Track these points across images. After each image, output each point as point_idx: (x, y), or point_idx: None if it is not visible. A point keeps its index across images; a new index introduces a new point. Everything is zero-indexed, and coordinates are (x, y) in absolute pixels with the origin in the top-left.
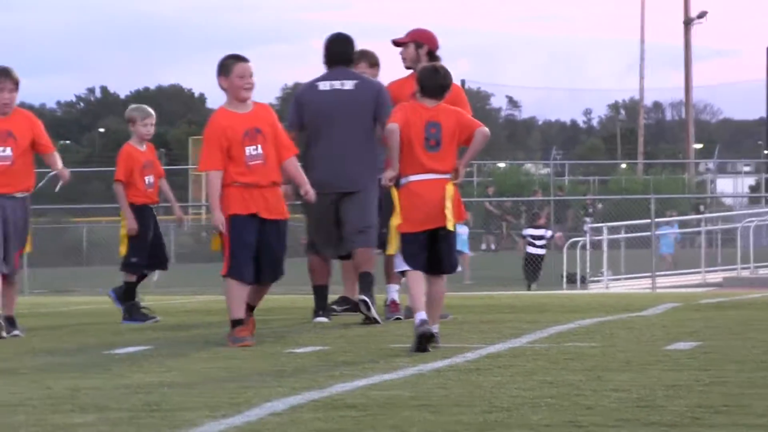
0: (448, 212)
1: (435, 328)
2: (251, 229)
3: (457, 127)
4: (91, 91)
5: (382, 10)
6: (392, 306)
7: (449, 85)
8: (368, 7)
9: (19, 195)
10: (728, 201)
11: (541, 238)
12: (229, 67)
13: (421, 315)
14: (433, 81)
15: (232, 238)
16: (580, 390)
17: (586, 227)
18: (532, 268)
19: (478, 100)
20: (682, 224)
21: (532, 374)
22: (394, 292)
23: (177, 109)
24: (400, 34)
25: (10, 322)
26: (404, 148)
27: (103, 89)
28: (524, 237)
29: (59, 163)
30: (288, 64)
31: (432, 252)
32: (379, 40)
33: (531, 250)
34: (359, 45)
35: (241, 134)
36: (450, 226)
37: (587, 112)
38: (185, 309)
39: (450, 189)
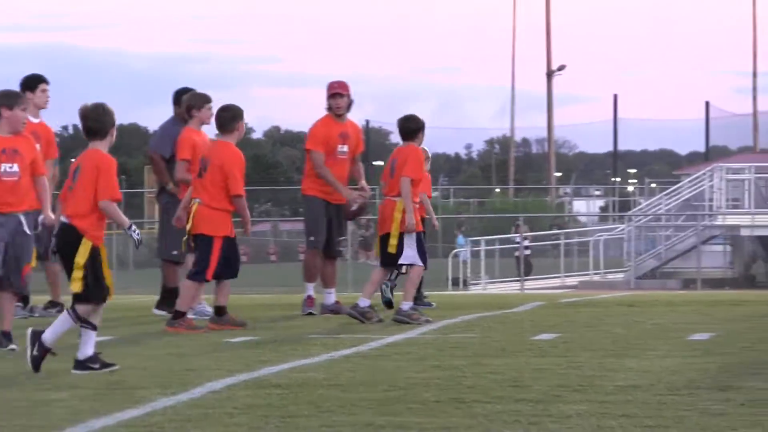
0: (395, 222)
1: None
2: None
3: (400, 167)
4: (65, 128)
5: (307, 62)
6: (308, 301)
7: (410, 129)
8: (295, 60)
9: (27, 212)
10: (583, 219)
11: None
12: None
13: (363, 302)
14: (399, 126)
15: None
16: (463, 373)
17: (462, 240)
18: None
19: (381, 137)
20: (542, 238)
21: (424, 360)
22: (311, 289)
23: (135, 143)
24: (320, 82)
25: (7, 336)
26: None
27: (75, 127)
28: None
29: (48, 203)
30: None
31: None
32: (306, 86)
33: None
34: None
35: None
36: (392, 230)
37: (468, 147)
38: (144, 305)
39: (399, 206)
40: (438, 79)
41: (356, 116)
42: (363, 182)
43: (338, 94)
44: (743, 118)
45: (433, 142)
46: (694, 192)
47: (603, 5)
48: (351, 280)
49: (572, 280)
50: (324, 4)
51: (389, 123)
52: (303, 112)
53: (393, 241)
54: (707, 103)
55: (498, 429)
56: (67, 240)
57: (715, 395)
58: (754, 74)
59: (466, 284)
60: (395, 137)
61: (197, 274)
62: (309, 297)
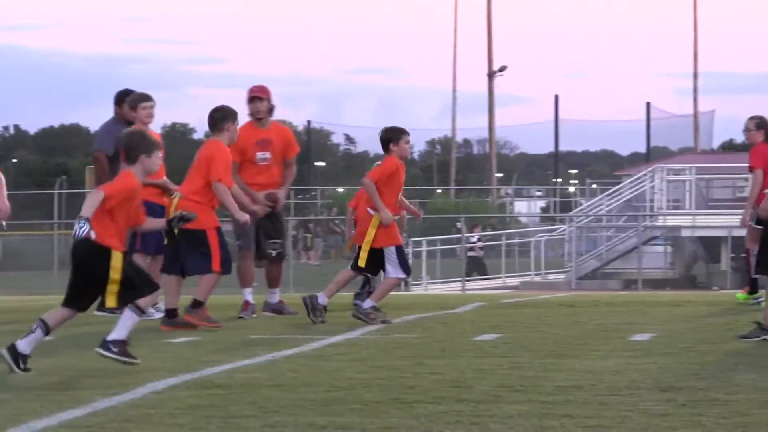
0: (367, 236)
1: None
2: None
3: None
4: (6, 128)
5: (249, 63)
6: (243, 305)
7: (382, 139)
8: (238, 61)
9: None
10: (524, 219)
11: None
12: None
13: (321, 298)
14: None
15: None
16: (404, 373)
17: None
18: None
19: (321, 137)
20: (483, 238)
21: (365, 360)
22: (248, 294)
23: (76, 143)
24: (263, 82)
25: None
26: None
27: (16, 127)
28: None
29: (3, 196)
30: (167, 107)
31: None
32: (248, 87)
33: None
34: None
35: None
36: (363, 245)
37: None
38: None
39: (374, 221)
40: (379, 79)
41: (298, 117)
42: (280, 190)
43: (257, 98)
44: (684, 119)
45: (374, 143)
46: (635, 193)
47: (544, 7)
48: (292, 280)
49: (513, 281)
50: (265, 5)
51: (331, 123)
52: (245, 113)
53: (363, 255)
54: (648, 104)
55: (440, 429)
56: (92, 255)
57: (657, 395)
58: (695, 75)
59: (407, 285)
60: (337, 138)
61: (204, 269)
62: (245, 302)
